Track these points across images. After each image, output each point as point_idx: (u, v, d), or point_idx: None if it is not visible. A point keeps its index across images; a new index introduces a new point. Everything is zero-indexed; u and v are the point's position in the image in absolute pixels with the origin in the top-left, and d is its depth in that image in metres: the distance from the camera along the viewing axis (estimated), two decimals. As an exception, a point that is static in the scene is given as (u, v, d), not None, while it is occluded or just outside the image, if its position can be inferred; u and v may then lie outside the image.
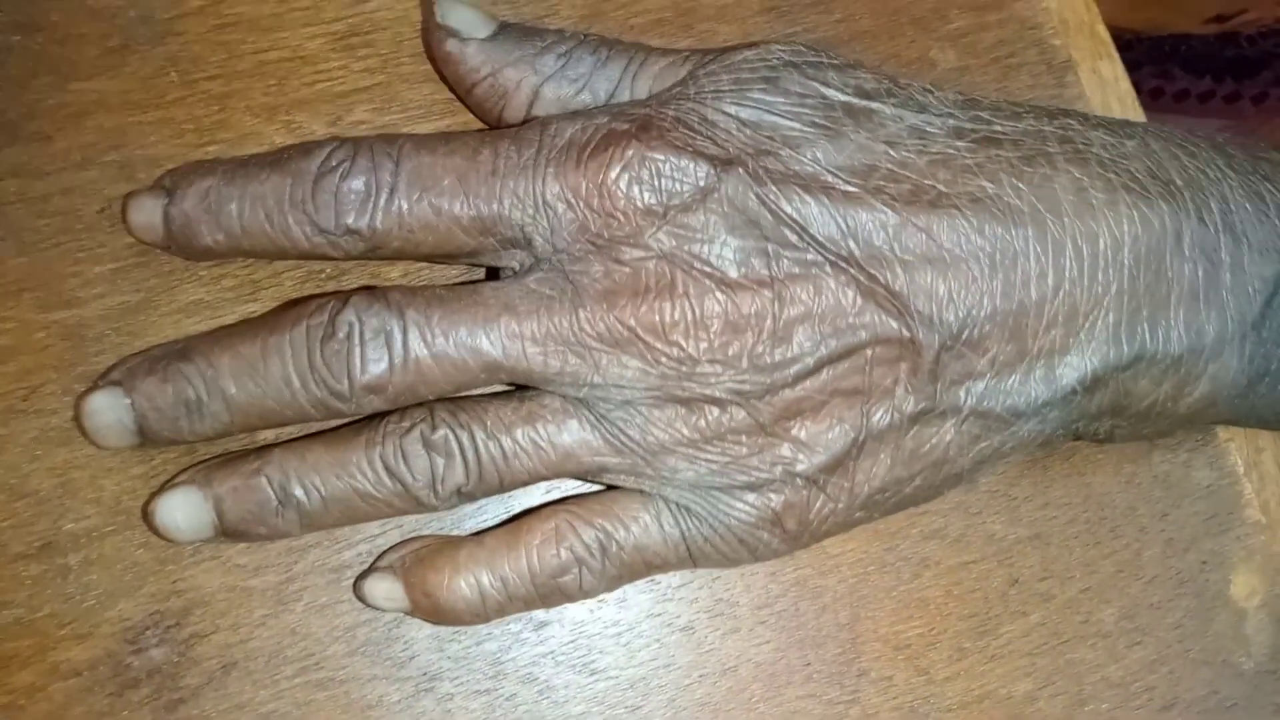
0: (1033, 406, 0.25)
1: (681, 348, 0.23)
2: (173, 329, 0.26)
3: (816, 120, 0.24)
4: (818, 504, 0.25)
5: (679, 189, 0.23)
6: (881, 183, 0.24)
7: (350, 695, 0.26)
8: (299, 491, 0.24)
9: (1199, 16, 0.51)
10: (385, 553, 0.26)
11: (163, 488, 0.25)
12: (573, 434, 0.24)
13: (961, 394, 0.24)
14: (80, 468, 0.26)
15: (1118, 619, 0.29)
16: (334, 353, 0.23)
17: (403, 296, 0.24)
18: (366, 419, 0.25)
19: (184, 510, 0.24)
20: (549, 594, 0.25)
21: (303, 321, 0.23)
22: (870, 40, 0.31)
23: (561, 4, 0.29)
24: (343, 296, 0.24)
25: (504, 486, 0.25)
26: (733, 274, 0.23)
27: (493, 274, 0.26)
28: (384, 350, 0.23)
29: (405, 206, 0.24)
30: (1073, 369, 0.25)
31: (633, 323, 0.23)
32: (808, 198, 0.24)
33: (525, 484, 0.25)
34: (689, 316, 0.23)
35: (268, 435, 0.26)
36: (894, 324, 0.24)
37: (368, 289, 0.24)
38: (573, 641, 0.27)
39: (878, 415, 0.24)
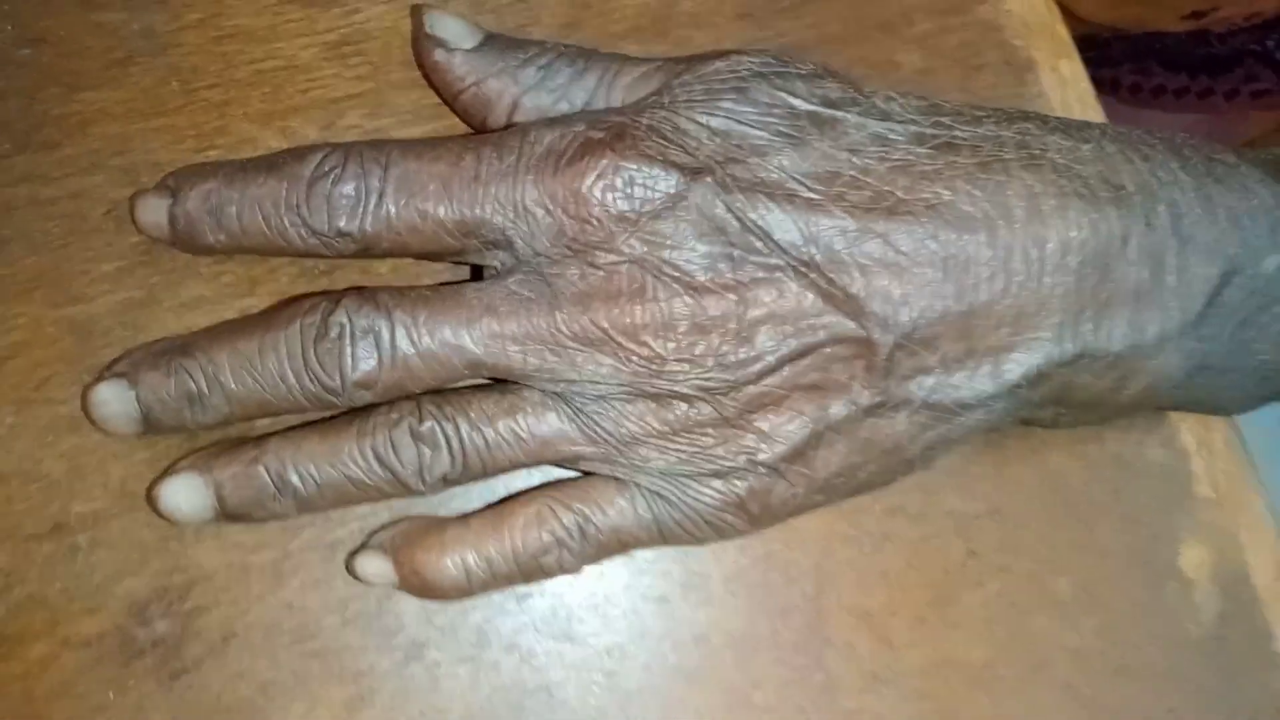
0: (980, 399, 0.25)
1: (651, 348, 0.24)
2: (175, 323, 0.27)
3: (783, 129, 0.25)
4: (779, 489, 0.25)
5: (650, 196, 0.24)
6: (843, 189, 0.24)
7: (343, 664, 0.26)
8: (295, 479, 0.25)
9: (1177, 12, 0.50)
10: (376, 532, 0.27)
11: (166, 473, 0.25)
12: (551, 426, 0.25)
13: (913, 388, 0.25)
14: (89, 453, 0.26)
15: (1073, 589, 0.29)
16: (326, 351, 0.24)
17: (391, 298, 0.24)
18: (358, 410, 0.25)
19: (186, 494, 0.25)
20: (531, 572, 0.26)
21: (297, 320, 0.24)
22: (839, 44, 0.31)
23: (543, 12, 0.30)
24: (335, 297, 0.24)
25: (487, 474, 0.25)
26: (700, 278, 0.24)
27: (477, 271, 0.27)
28: (373, 348, 0.24)
29: (393, 211, 0.24)
30: (1018, 365, 0.25)
31: (606, 324, 0.24)
32: (772, 205, 0.24)
33: (507, 471, 0.26)
34: (658, 318, 0.24)
35: (265, 422, 0.27)
36: (851, 325, 0.24)
37: (358, 290, 0.25)
38: (553, 612, 0.27)
39: (835, 408, 0.25)
